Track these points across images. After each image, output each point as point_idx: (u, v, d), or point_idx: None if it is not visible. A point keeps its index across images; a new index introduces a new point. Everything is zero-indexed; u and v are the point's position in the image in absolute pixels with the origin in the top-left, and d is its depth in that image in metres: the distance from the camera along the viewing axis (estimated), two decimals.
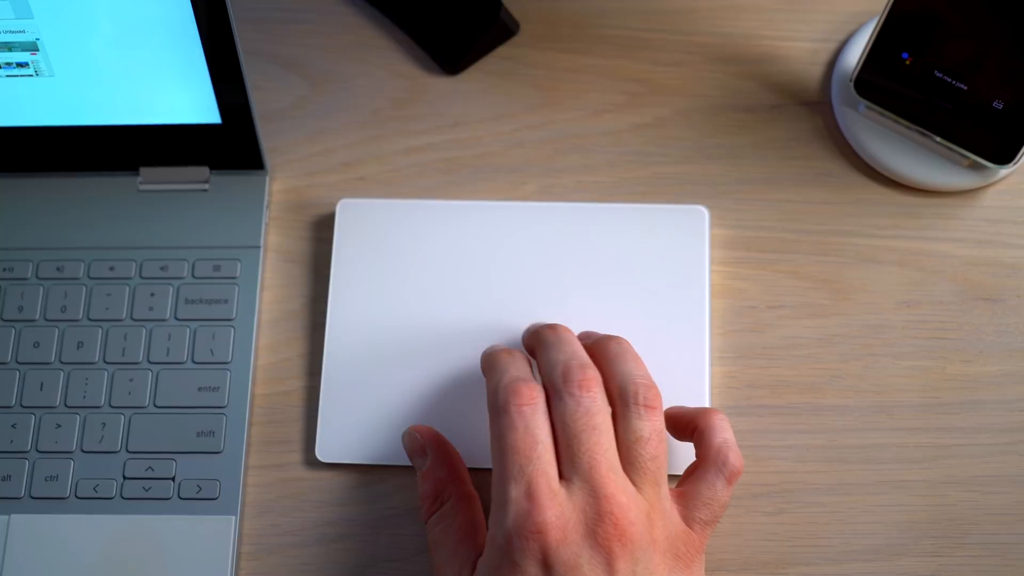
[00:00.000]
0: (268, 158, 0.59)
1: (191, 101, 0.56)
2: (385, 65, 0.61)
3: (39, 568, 0.52)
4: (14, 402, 0.55)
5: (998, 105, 0.53)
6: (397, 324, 0.56)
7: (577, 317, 0.55)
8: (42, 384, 0.55)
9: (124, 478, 0.54)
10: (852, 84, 0.57)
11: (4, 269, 0.57)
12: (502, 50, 0.61)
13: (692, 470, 0.49)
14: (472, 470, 0.52)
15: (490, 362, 0.50)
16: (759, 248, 0.57)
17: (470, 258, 0.56)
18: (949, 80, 0.54)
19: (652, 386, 0.47)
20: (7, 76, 0.55)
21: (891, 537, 0.52)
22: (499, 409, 0.47)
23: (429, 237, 0.57)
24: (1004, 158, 0.55)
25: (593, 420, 0.46)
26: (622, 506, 0.44)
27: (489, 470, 0.53)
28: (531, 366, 0.50)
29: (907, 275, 0.56)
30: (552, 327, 0.51)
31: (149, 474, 0.54)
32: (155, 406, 0.55)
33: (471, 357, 0.54)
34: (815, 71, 0.60)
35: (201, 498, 0.53)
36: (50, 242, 0.58)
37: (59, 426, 0.54)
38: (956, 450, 0.53)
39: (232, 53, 0.53)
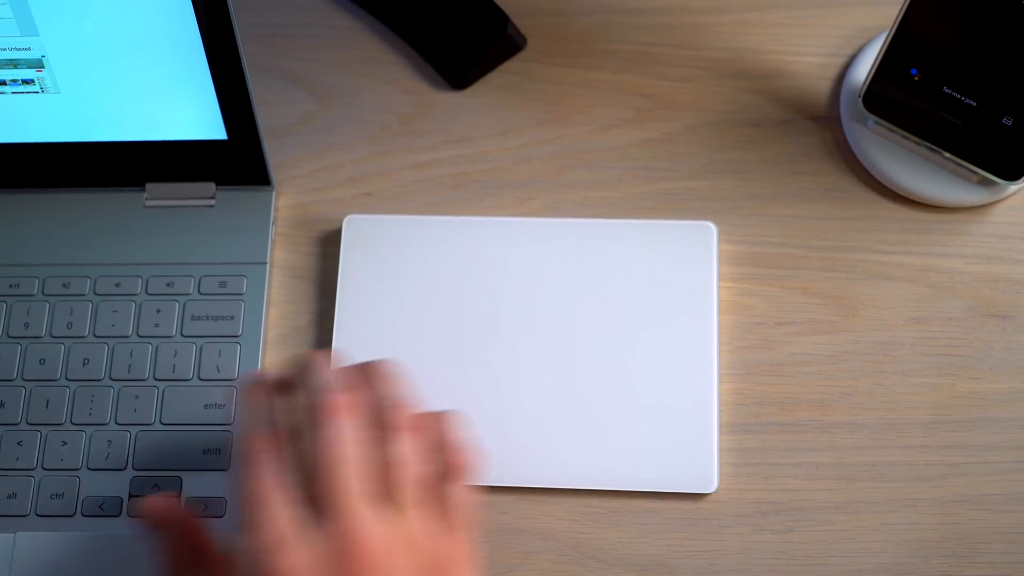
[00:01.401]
0: (274, 174, 0.58)
1: (197, 117, 0.56)
2: (392, 80, 0.61)
3: None
4: (20, 419, 0.55)
5: (1007, 121, 0.53)
6: (404, 341, 0.55)
7: (584, 333, 0.55)
8: (48, 401, 0.55)
9: (130, 495, 0.54)
10: (861, 99, 0.56)
11: (10, 286, 0.57)
12: (509, 65, 0.61)
13: (432, 481, 0.47)
14: (482, 488, 0.52)
15: (241, 409, 0.48)
16: (768, 264, 0.57)
17: (477, 274, 0.56)
18: (958, 96, 0.54)
19: (398, 406, 0.46)
20: (13, 93, 0.55)
21: (900, 556, 0.52)
22: (241, 460, 0.45)
23: (436, 253, 0.57)
24: (1013, 174, 0.54)
25: (336, 452, 0.44)
26: (370, 540, 0.42)
27: (498, 489, 0.54)
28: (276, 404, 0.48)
29: (916, 291, 0.56)
30: (308, 355, 0.48)
31: (155, 492, 0.53)
32: (161, 423, 0.55)
33: (477, 373, 0.54)
34: (824, 86, 0.60)
35: (208, 516, 0.53)
36: (56, 258, 0.58)
37: (65, 443, 0.54)
38: (966, 468, 0.53)
39: (238, 69, 0.53)
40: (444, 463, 0.47)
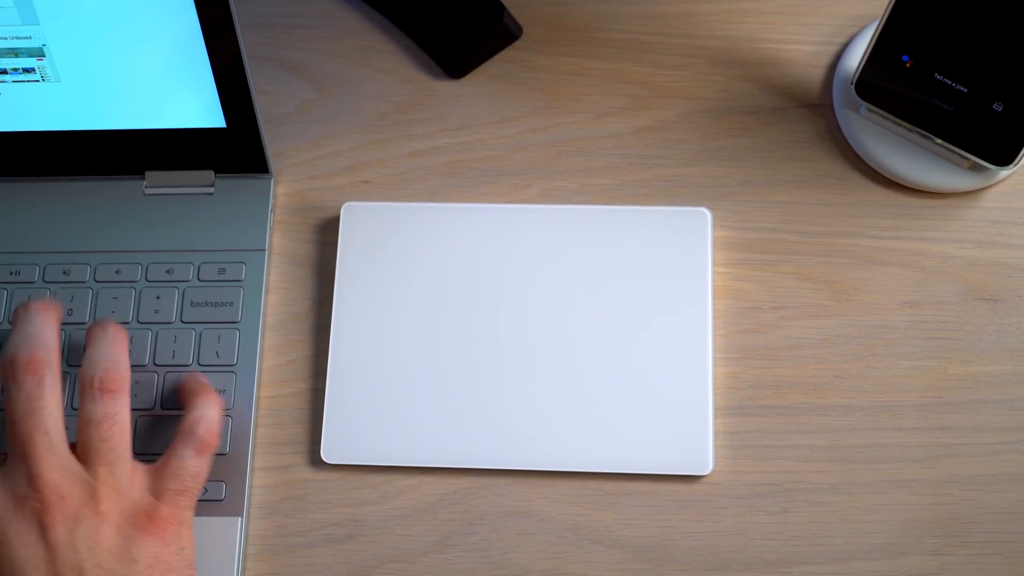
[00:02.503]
0: (273, 162, 0.59)
1: (196, 106, 0.56)
2: (389, 69, 0.62)
3: None
4: None
5: (998, 107, 0.54)
6: (401, 326, 0.56)
7: (580, 318, 0.55)
8: None
9: None
10: (853, 86, 0.57)
11: (11, 273, 0.58)
12: (505, 54, 0.61)
13: (170, 443, 0.51)
14: (480, 471, 0.53)
15: None
16: (761, 249, 0.57)
17: (474, 261, 0.57)
18: (950, 82, 0.54)
19: (115, 370, 0.50)
20: (14, 82, 0.55)
21: (894, 536, 0.52)
22: None
23: (433, 240, 0.57)
24: (1004, 160, 0.55)
25: (33, 404, 0.48)
26: (52, 482, 0.47)
27: (496, 471, 0.54)
28: None
29: (909, 276, 0.56)
30: (25, 307, 0.51)
31: None
32: (161, 408, 0.55)
33: (474, 358, 0.55)
34: (816, 74, 0.60)
35: (207, 500, 0.53)
36: (56, 246, 0.58)
37: (67, 428, 0.55)
38: (958, 449, 0.53)
39: (237, 58, 0.54)
40: (187, 430, 0.50)
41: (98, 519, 0.48)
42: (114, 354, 0.50)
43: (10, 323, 0.56)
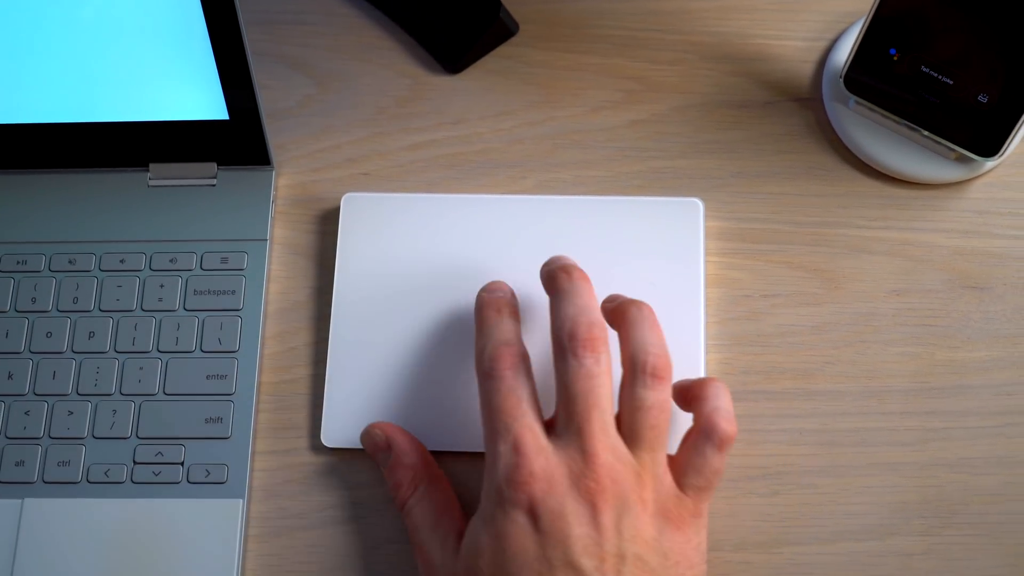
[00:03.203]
0: (275, 154, 0.60)
1: (200, 100, 0.57)
2: (388, 65, 0.63)
3: (52, 550, 0.54)
4: (27, 390, 0.56)
5: (983, 99, 0.55)
6: (399, 313, 0.57)
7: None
8: (55, 372, 0.56)
9: (134, 463, 0.55)
10: (842, 80, 0.58)
11: (17, 262, 0.59)
12: (502, 49, 0.63)
13: (687, 438, 0.50)
14: (475, 454, 0.54)
15: (479, 322, 0.51)
16: (753, 239, 0.58)
17: (471, 250, 0.58)
18: (935, 75, 0.56)
19: (664, 356, 0.49)
20: None
21: (883, 517, 0.53)
22: (484, 375, 0.49)
23: (431, 230, 0.58)
24: (989, 151, 0.56)
25: (592, 382, 0.47)
26: (607, 464, 0.46)
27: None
28: (518, 322, 0.52)
29: (897, 265, 0.57)
30: (567, 271, 0.51)
31: (159, 459, 0.55)
32: (164, 393, 0.56)
33: (471, 344, 0.56)
34: (806, 69, 0.62)
35: (209, 482, 0.54)
36: (62, 236, 0.59)
37: (71, 413, 0.56)
38: (945, 433, 0.55)
39: (241, 54, 0.55)
40: (707, 425, 0.49)
41: (641, 507, 0.47)
42: (660, 340, 0.49)
43: (17, 311, 0.58)
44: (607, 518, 0.46)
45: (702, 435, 0.49)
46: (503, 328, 0.51)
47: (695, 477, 0.49)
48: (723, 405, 0.50)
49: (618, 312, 0.51)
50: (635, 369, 0.48)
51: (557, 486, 0.46)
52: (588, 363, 0.48)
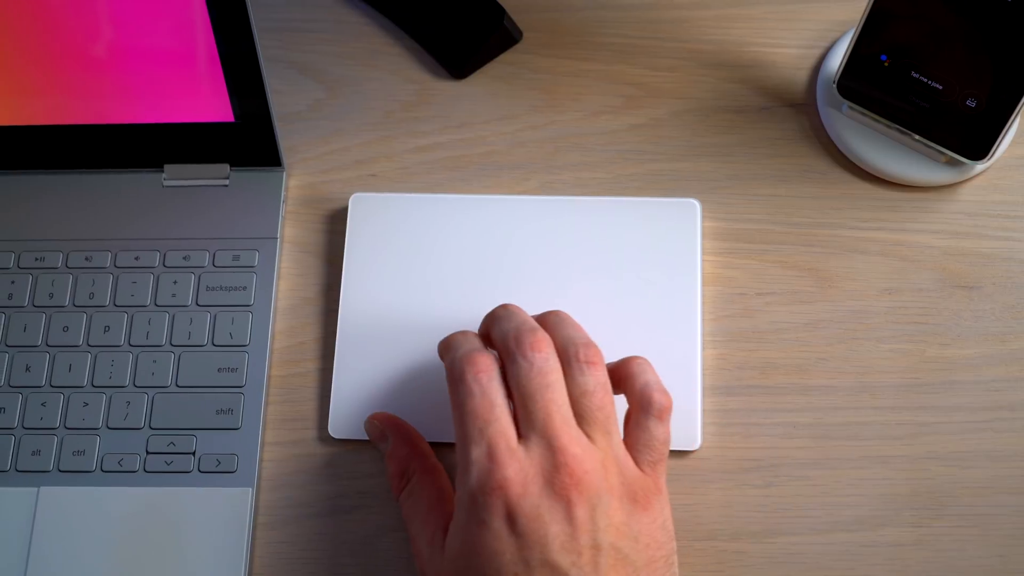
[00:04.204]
0: (285, 156, 0.62)
1: (214, 103, 0.59)
2: (396, 70, 0.65)
3: (67, 537, 0.55)
4: (44, 382, 0.58)
5: (971, 103, 0.57)
6: (404, 310, 0.59)
7: (577, 304, 0.57)
8: (71, 365, 0.58)
9: (147, 453, 0.57)
10: (835, 86, 0.60)
11: (36, 259, 0.60)
12: (506, 56, 0.65)
13: (628, 418, 0.51)
14: None
15: (446, 343, 0.52)
16: (748, 239, 0.60)
17: (475, 249, 0.60)
18: (925, 80, 0.57)
19: (590, 344, 0.50)
20: None
21: (874, 508, 0.55)
22: (456, 380, 0.49)
23: (436, 229, 0.60)
24: (978, 154, 0.58)
25: (547, 379, 0.48)
26: (576, 456, 0.47)
27: None
28: (483, 345, 0.52)
29: (889, 264, 0.59)
30: (502, 305, 0.53)
31: (171, 449, 0.56)
32: (177, 386, 0.58)
33: None
34: (801, 75, 0.63)
35: (220, 471, 0.56)
36: (79, 234, 0.61)
37: (86, 404, 0.57)
38: (935, 427, 0.56)
39: (254, 60, 0.57)
40: (642, 400, 0.50)
41: (610, 494, 0.47)
42: (583, 333, 0.51)
43: (35, 306, 0.59)
44: (581, 511, 0.46)
45: (641, 411, 0.50)
46: (471, 341, 0.52)
47: (646, 452, 0.50)
48: (652, 379, 0.51)
49: (540, 320, 0.52)
50: (570, 360, 0.49)
51: (531, 487, 0.47)
52: (538, 361, 0.49)
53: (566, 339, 0.50)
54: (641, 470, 0.49)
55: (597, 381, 0.49)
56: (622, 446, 0.50)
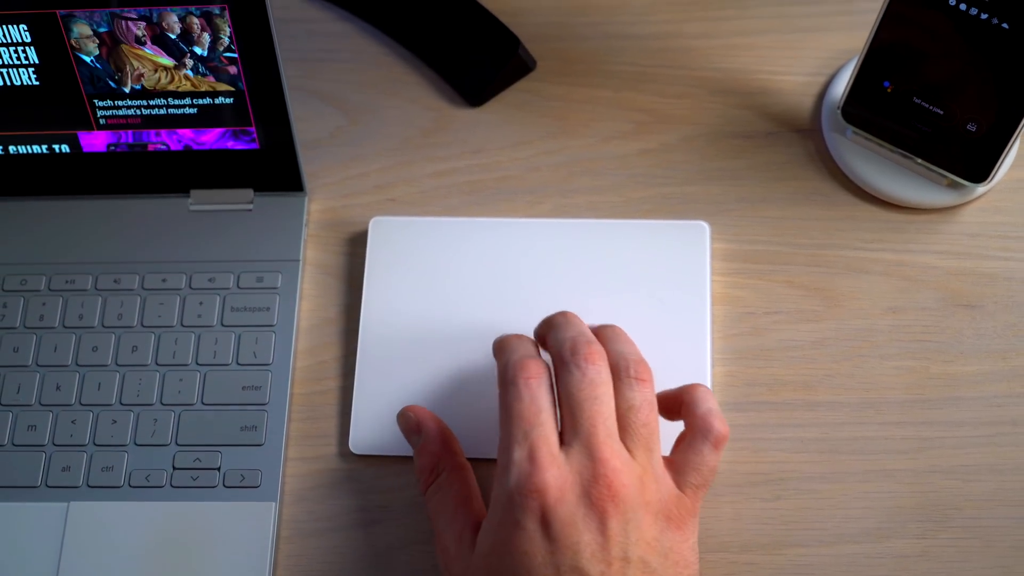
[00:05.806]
0: (307, 181, 0.64)
1: (240, 131, 0.61)
2: (414, 99, 0.67)
3: (96, 550, 0.57)
4: (74, 400, 0.60)
5: (972, 127, 0.58)
6: (423, 329, 0.60)
7: (590, 321, 0.59)
8: (100, 384, 0.60)
9: (174, 468, 0.58)
10: (839, 112, 0.62)
11: (66, 281, 0.62)
12: (521, 84, 0.67)
13: (681, 440, 0.52)
14: (493, 460, 0.57)
15: (501, 344, 0.54)
16: (756, 260, 0.61)
17: (491, 270, 0.61)
18: (927, 105, 0.59)
19: (642, 361, 0.52)
20: None
21: (880, 521, 0.56)
22: (507, 382, 0.51)
23: (453, 251, 0.62)
24: (979, 177, 0.59)
25: (596, 391, 0.50)
26: (616, 470, 0.48)
27: None
28: (538, 350, 0.54)
29: (893, 284, 0.60)
30: (562, 312, 0.54)
31: (196, 465, 0.58)
32: (203, 403, 0.59)
33: (491, 359, 0.59)
34: (807, 102, 0.65)
35: (244, 486, 0.57)
36: (109, 257, 0.63)
37: (115, 422, 0.59)
38: (939, 442, 0.57)
39: (278, 89, 0.59)
40: (703, 425, 0.51)
41: (644, 509, 0.48)
42: (636, 350, 0.52)
43: (66, 327, 0.61)
44: (615, 523, 0.48)
45: (699, 435, 0.51)
46: (526, 346, 0.53)
47: (694, 475, 0.51)
48: (714, 407, 0.52)
49: (595, 332, 0.54)
50: (620, 374, 0.51)
51: (568, 494, 0.48)
52: (591, 373, 0.50)
53: (618, 354, 0.52)
54: (682, 491, 0.50)
55: (644, 398, 0.50)
56: (662, 464, 0.51)
